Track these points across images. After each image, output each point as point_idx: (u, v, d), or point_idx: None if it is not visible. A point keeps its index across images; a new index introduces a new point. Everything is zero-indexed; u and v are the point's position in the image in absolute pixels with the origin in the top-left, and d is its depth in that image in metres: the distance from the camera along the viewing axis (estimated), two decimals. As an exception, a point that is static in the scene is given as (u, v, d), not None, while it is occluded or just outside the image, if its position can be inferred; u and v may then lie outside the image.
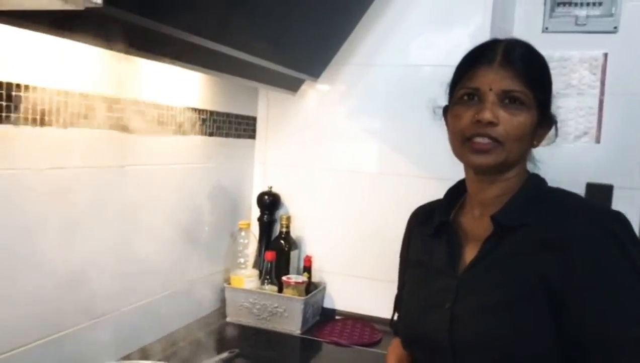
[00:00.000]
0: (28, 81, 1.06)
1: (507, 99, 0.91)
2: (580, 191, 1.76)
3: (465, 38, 1.75)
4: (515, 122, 0.91)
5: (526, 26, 1.93)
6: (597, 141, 1.96)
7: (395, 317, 1.19)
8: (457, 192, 1.07)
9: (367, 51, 1.84)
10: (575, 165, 1.91)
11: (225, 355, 1.19)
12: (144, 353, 1.32)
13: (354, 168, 1.89)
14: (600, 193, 1.85)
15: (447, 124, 1.02)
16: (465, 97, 0.94)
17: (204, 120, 1.65)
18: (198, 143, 1.64)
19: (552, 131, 1.00)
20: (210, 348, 1.30)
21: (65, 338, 1.19)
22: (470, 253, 0.98)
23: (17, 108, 1.04)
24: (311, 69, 1.69)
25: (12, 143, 1.04)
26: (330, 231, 1.92)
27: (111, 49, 1.00)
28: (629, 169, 1.89)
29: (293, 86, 1.77)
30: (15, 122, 1.04)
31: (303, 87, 1.86)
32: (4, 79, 1.01)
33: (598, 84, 1.95)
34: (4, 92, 1.01)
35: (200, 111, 1.63)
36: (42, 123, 1.09)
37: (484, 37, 1.71)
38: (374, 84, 1.86)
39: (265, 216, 1.91)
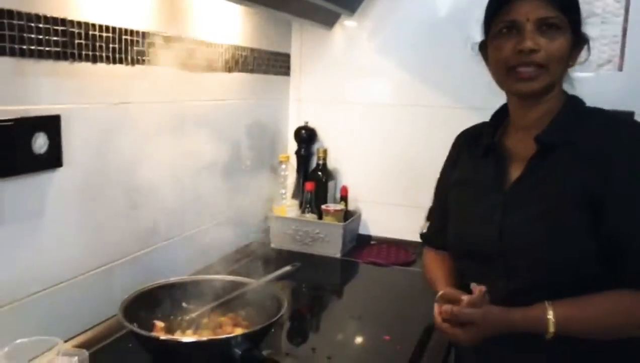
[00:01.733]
0: (102, 21, 1.14)
1: (545, 26, 0.98)
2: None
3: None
4: (555, 46, 0.98)
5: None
6: (620, 68, 2.01)
7: (426, 228, 1.30)
8: (500, 115, 1.15)
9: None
10: (598, 93, 1.95)
11: (288, 268, 1.31)
12: (208, 270, 1.46)
13: (385, 101, 1.98)
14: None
15: (485, 59, 1.10)
16: (504, 30, 1.01)
17: (245, 57, 1.73)
18: (240, 79, 1.73)
19: (584, 51, 1.06)
20: (265, 266, 1.43)
21: (136, 259, 1.34)
22: (515, 172, 1.07)
23: (94, 47, 1.12)
24: (348, 2, 1.75)
25: (90, 79, 1.14)
26: (364, 162, 2.02)
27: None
28: (651, 95, 1.95)
29: (329, 20, 1.84)
30: (93, 60, 1.13)
31: (334, 23, 1.93)
32: (82, 19, 1.09)
33: (622, 11, 1.99)
34: (82, 31, 1.10)
35: (241, 49, 1.70)
36: (114, 61, 1.18)
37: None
38: (403, 18, 1.91)
39: (303, 150, 2.01)
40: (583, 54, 1.06)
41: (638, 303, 0.96)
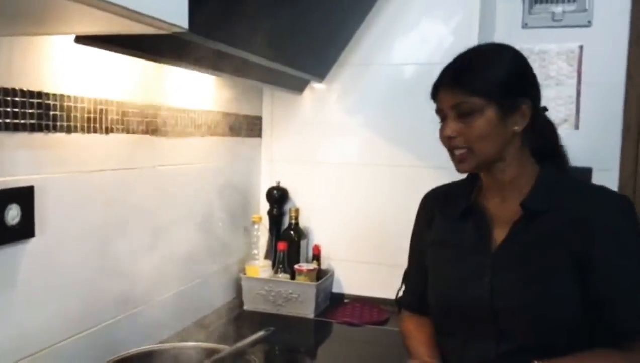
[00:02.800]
0: (77, 92, 1.17)
1: (460, 111, 1.05)
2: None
3: (449, 37, 1.91)
4: (472, 129, 1.05)
5: (507, 23, 2.08)
6: (576, 127, 2.12)
7: (402, 292, 1.32)
8: (475, 176, 1.19)
9: (364, 51, 1.98)
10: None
11: (262, 332, 1.31)
12: (179, 337, 1.44)
13: (355, 160, 2.03)
14: (581, 175, 2.00)
15: None
16: (439, 116, 1.11)
17: (218, 122, 1.77)
18: (213, 142, 1.76)
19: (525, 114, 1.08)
20: (238, 330, 1.42)
21: (108, 327, 1.32)
22: (499, 234, 1.11)
23: (68, 117, 1.14)
24: (317, 70, 1.82)
25: (65, 149, 1.15)
26: (336, 220, 2.05)
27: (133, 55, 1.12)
28: (607, 152, 2.05)
29: (299, 86, 1.90)
30: (67, 130, 1.15)
31: (304, 87, 1.99)
32: (57, 91, 1.12)
33: (575, 74, 2.11)
34: (57, 103, 1.12)
35: (214, 114, 1.75)
36: (89, 130, 1.20)
37: (469, 34, 1.87)
38: (370, 82, 2.00)
39: (275, 210, 2.03)
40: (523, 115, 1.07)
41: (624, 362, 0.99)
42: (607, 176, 1.99)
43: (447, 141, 1.08)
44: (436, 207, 1.24)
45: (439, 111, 1.10)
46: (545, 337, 1.02)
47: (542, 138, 1.14)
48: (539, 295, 1.03)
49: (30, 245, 1.08)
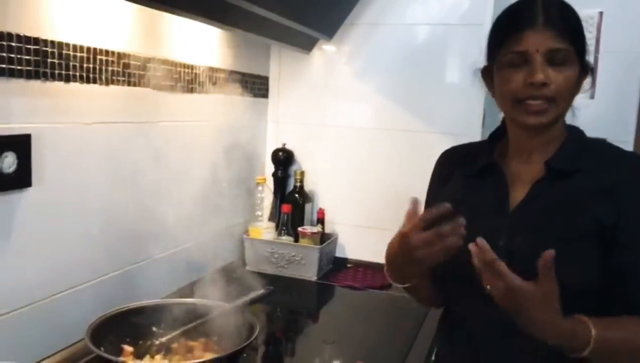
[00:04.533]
0: (76, 40, 1.14)
1: (554, 58, 0.96)
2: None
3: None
4: (564, 79, 0.97)
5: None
6: (592, 96, 2.07)
7: None
8: (497, 136, 1.14)
9: (375, 10, 1.92)
10: (571, 120, 2.03)
11: (262, 291, 1.30)
12: (181, 294, 1.44)
13: (362, 124, 1.99)
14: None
15: (488, 85, 1.09)
16: (513, 60, 0.99)
17: (223, 79, 1.73)
18: (217, 101, 1.73)
19: (588, 79, 1.05)
20: (239, 289, 1.41)
21: (106, 282, 1.32)
22: (518, 195, 1.04)
23: (67, 66, 1.12)
24: (325, 28, 1.77)
25: (64, 98, 1.13)
26: (341, 185, 2.03)
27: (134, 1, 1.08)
28: (621, 123, 2.01)
29: (307, 45, 1.85)
30: (66, 80, 1.12)
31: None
32: (55, 38, 1.09)
33: (593, 42, 2.05)
34: (55, 50, 1.09)
35: (219, 70, 1.71)
36: (88, 80, 1.18)
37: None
38: (381, 43, 1.94)
39: (280, 172, 2.01)
40: (586, 82, 1.04)
41: None
42: (622, 147, 1.95)
43: (531, 88, 0.96)
44: (454, 165, 1.17)
45: (515, 54, 0.98)
46: (562, 306, 0.93)
47: None
48: (557, 261, 0.93)
49: (26, 194, 1.06)
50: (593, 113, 2.03)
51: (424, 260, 0.94)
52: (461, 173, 1.14)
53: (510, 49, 0.99)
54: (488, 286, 0.90)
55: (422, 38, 1.90)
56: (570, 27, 0.98)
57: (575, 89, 1.00)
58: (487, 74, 1.08)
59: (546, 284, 0.88)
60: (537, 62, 0.96)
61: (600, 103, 2.02)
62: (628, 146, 1.99)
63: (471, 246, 0.90)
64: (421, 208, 0.97)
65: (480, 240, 0.89)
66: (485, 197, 1.08)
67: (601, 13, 2.00)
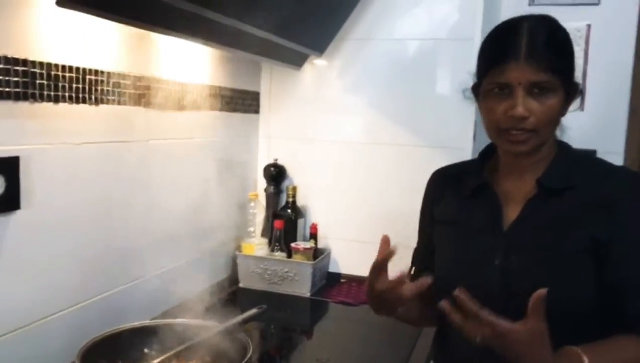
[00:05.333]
0: (64, 61, 1.13)
1: (536, 89, 0.97)
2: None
3: (454, 13, 1.86)
4: (545, 110, 0.97)
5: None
6: (581, 108, 2.08)
7: (413, 271, 1.24)
8: (487, 154, 1.14)
9: (365, 25, 1.93)
10: (559, 136, 2.04)
11: (254, 310, 1.29)
12: (172, 314, 1.42)
13: (355, 138, 1.99)
14: (585, 157, 1.97)
15: (478, 102, 1.08)
16: (496, 90, 1.00)
17: (213, 96, 1.73)
18: (209, 117, 1.72)
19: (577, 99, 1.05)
20: (232, 307, 1.39)
21: (97, 303, 1.30)
22: (512, 213, 1.04)
23: (56, 87, 1.11)
24: (316, 44, 1.77)
25: (53, 119, 1.12)
26: (334, 199, 2.02)
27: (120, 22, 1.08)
28: (611, 134, 2.01)
29: (298, 61, 1.86)
30: (55, 100, 1.11)
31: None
32: (44, 59, 1.08)
33: (582, 54, 2.06)
34: (44, 71, 1.08)
35: (210, 88, 1.71)
36: (77, 101, 1.17)
37: (473, 10, 1.82)
38: (371, 58, 1.95)
39: (272, 187, 2.00)
40: (574, 102, 1.05)
41: None
42: (612, 158, 1.89)
43: (512, 120, 0.97)
44: (446, 185, 1.18)
45: (499, 85, 0.99)
46: (557, 322, 0.93)
47: None
48: (553, 278, 0.96)
49: (14, 217, 1.05)
50: (583, 125, 2.03)
51: (393, 303, 1.02)
52: (453, 193, 1.15)
53: (493, 80, 1.00)
54: (477, 337, 0.91)
55: (412, 52, 1.91)
56: (554, 58, 0.98)
57: (559, 114, 1.01)
58: (477, 91, 1.08)
59: (534, 323, 0.89)
60: (519, 95, 0.96)
61: (590, 115, 2.02)
62: (618, 157, 2.00)
63: (444, 305, 0.92)
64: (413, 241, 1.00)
65: (460, 293, 0.90)
66: (479, 217, 1.08)
67: (589, 26, 2.02)
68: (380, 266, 1.00)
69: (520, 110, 0.96)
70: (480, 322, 0.89)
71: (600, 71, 1.99)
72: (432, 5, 1.88)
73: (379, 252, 1.01)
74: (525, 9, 2.04)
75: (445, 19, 1.86)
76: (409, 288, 0.98)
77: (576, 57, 1.92)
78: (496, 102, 0.99)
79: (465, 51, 1.79)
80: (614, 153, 1.99)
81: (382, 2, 1.90)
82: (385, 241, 1.01)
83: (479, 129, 1.86)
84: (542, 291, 0.87)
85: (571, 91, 1.01)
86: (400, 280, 0.97)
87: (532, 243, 1.01)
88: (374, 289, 1.01)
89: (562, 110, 1.01)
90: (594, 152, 2.05)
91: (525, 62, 0.96)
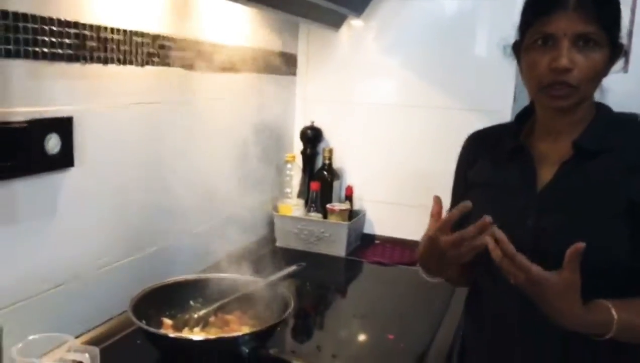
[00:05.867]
0: (112, 24, 1.16)
1: (582, 41, 0.95)
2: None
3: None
4: (589, 64, 0.95)
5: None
6: (625, 70, 2.02)
7: None
8: (524, 117, 1.13)
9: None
10: (599, 99, 2.00)
11: (294, 267, 1.34)
12: (215, 268, 1.48)
13: (391, 101, 1.99)
14: (627, 121, 1.93)
15: (518, 59, 1.07)
16: (540, 42, 0.98)
17: (253, 58, 1.74)
18: (247, 79, 1.75)
19: (620, 60, 1.03)
20: (271, 265, 1.44)
21: (145, 257, 1.37)
22: (546, 175, 1.04)
23: (105, 48, 1.14)
24: (355, 4, 1.76)
25: (102, 80, 1.16)
26: (369, 162, 2.04)
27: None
28: (656, 98, 1.96)
29: (336, 22, 1.85)
30: (104, 62, 1.15)
31: (341, 24, 1.94)
32: (93, 22, 1.11)
33: (628, 13, 2.00)
34: (94, 33, 1.12)
35: (249, 50, 1.72)
36: (125, 62, 1.20)
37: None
38: (409, 18, 1.93)
39: (308, 149, 2.03)
40: (617, 64, 1.03)
41: None
42: None
43: (555, 73, 0.96)
44: (481, 148, 1.17)
45: (542, 36, 0.97)
46: (590, 284, 0.94)
47: None
48: (586, 240, 0.92)
49: (69, 174, 1.10)
50: (626, 87, 1.98)
51: (453, 260, 0.97)
52: (488, 156, 1.14)
53: (538, 30, 0.98)
54: (511, 279, 0.92)
55: (451, 12, 1.88)
56: (603, 11, 0.95)
57: (602, 72, 0.99)
58: (517, 48, 1.07)
59: (569, 275, 0.89)
60: (563, 46, 0.95)
61: (634, 77, 1.97)
62: (662, 121, 1.95)
63: (488, 240, 0.91)
64: (446, 204, 0.99)
65: (499, 233, 0.91)
66: (513, 178, 1.08)
67: (637, -16, 1.95)
68: (447, 224, 0.96)
69: (564, 61, 0.94)
70: (516, 265, 0.90)
71: (646, 32, 1.93)
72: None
73: (435, 212, 0.98)
74: (569, -33, 1.98)
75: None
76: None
77: (622, 16, 1.88)
78: (539, 55, 0.98)
79: (506, 10, 1.75)
80: (657, 116, 1.94)
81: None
82: (438, 201, 0.99)
83: (519, 90, 1.83)
84: (579, 245, 0.87)
85: (616, 49, 0.99)
86: (462, 237, 0.95)
87: (565, 204, 1.00)
88: (436, 246, 0.97)
89: (606, 68, 0.99)
90: (636, 116, 2.00)
91: (573, 11, 0.94)
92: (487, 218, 0.92)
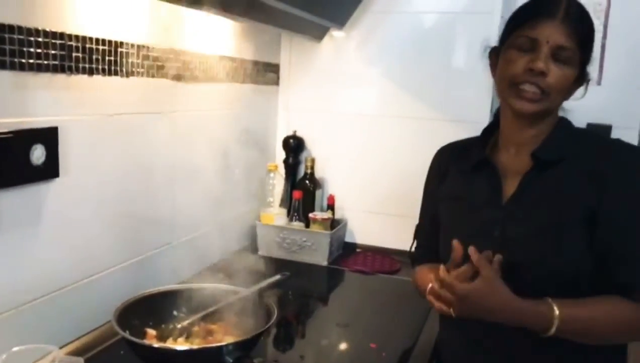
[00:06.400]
0: (98, 34, 1.17)
1: (559, 54, 1.00)
2: (583, 130, 1.90)
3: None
4: (562, 76, 1.01)
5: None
6: (599, 83, 2.08)
7: (414, 247, 1.32)
8: (490, 131, 1.18)
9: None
10: (578, 106, 2.04)
11: (278, 276, 1.35)
12: (198, 278, 1.48)
13: (372, 111, 2.02)
14: (601, 132, 1.99)
15: (492, 66, 1.13)
16: (522, 43, 1.03)
17: (235, 68, 1.76)
18: (230, 89, 1.76)
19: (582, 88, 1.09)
20: (254, 274, 1.45)
21: (129, 267, 1.37)
22: (510, 187, 1.09)
23: (90, 59, 1.15)
24: (338, 17, 1.79)
25: (87, 91, 1.16)
26: (351, 171, 2.07)
27: None
28: (628, 110, 2.02)
29: (319, 33, 1.88)
30: (89, 72, 1.15)
31: (323, 35, 1.97)
32: (79, 33, 1.12)
33: (601, 28, 2.06)
34: (80, 44, 1.12)
35: (232, 60, 1.74)
36: (110, 73, 1.21)
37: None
38: (390, 30, 1.96)
39: (291, 159, 2.05)
40: (578, 91, 1.08)
41: (633, 313, 0.98)
42: (628, 134, 1.97)
43: (530, 74, 1.01)
44: (450, 161, 1.23)
45: (527, 39, 1.02)
46: (553, 292, 1.00)
47: None
48: (548, 249, 1.01)
49: (54, 184, 1.10)
50: (600, 99, 2.05)
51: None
52: (457, 169, 1.19)
53: (523, 32, 1.03)
54: (451, 310, 0.99)
55: (430, 25, 1.92)
56: (584, 32, 1.02)
57: (569, 90, 1.04)
58: (494, 55, 1.12)
59: (486, 273, 0.97)
60: (543, 52, 1.00)
61: (607, 90, 2.03)
62: (634, 132, 2.02)
63: (429, 294, 1.04)
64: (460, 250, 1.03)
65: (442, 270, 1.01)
66: (480, 191, 1.13)
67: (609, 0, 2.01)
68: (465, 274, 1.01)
69: (541, 64, 0.99)
70: (447, 288, 0.99)
71: (618, 45, 1.99)
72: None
73: (457, 258, 1.03)
74: (545, -17, 2.03)
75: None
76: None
77: (596, 31, 1.94)
78: (519, 55, 1.03)
79: (483, 25, 1.81)
80: (630, 128, 2.01)
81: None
82: (458, 248, 1.03)
83: (495, 102, 1.88)
84: (486, 254, 0.99)
85: (583, 74, 1.05)
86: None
87: (528, 214, 1.05)
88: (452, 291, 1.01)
89: (572, 87, 1.05)
90: (609, 127, 2.06)
91: (560, 23, 0.99)
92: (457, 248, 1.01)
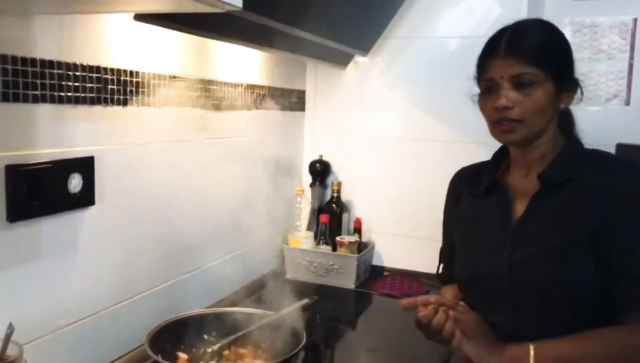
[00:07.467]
0: (131, 67, 1.22)
1: (520, 81, 1.04)
2: (611, 151, 1.88)
3: (496, 9, 1.88)
4: (530, 101, 1.04)
5: (558, -5, 2.03)
6: (627, 103, 2.06)
7: (441, 269, 1.36)
8: (501, 154, 1.21)
9: (408, 24, 1.97)
10: (606, 127, 2.02)
11: (306, 300, 1.36)
12: (228, 302, 1.50)
13: (397, 134, 2.04)
14: (630, 152, 1.96)
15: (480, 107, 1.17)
16: (486, 88, 1.10)
17: (263, 95, 1.80)
18: (258, 116, 1.80)
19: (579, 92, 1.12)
20: (282, 297, 1.47)
21: (160, 292, 1.39)
22: (520, 208, 1.12)
23: (124, 91, 1.20)
24: (362, 44, 1.82)
25: (122, 121, 1.21)
26: (377, 194, 2.08)
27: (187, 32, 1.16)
28: (657, 129, 2.00)
29: (344, 60, 1.91)
30: (124, 103, 1.20)
31: (348, 61, 2.00)
32: (114, 66, 1.17)
33: (628, 48, 2.04)
34: (115, 77, 1.17)
35: (260, 88, 1.78)
36: (143, 103, 1.26)
37: (518, 6, 1.84)
38: (414, 55, 1.99)
39: (317, 183, 2.07)
40: (578, 93, 1.11)
41: (631, 338, 0.98)
42: None
43: (498, 112, 1.06)
44: (464, 185, 1.26)
45: (487, 82, 1.08)
46: (561, 313, 1.02)
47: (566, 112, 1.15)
48: (555, 270, 1.02)
49: (89, 212, 1.14)
50: (628, 120, 2.03)
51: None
52: (469, 192, 1.23)
53: (482, 78, 1.10)
54: (453, 342, 1.04)
55: (453, 50, 1.94)
56: (537, 52, 1.04)
57: (548, 106, 1.06)
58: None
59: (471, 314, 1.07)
60: (502, 88, 1.05)
61: (635, 109, 2.01)
62: (665, 152, 1.98)
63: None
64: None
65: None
66: (490, 212, 1.16)
67: (635, 20, 2.00)
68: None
69: (502, 101, 1.05)
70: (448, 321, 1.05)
71: (646, 65, 1.98)
72: (475, 1, 1.91)
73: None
74: (569, 4, 2.04)
75: (488, 15, 1.89)
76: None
77: (622, 50, 1.92)
78: (487, 99, 1.09)
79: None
80: (660, 148, 1.97)
81: (426, 0, 1.94)
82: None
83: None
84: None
85: (565, 84, 1.07)
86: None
87: (536, 235, 1.07)
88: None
89: (554, 102, 1.07)
90: (598, 150, 2.03)
91: (503, 58, 1.05)
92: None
